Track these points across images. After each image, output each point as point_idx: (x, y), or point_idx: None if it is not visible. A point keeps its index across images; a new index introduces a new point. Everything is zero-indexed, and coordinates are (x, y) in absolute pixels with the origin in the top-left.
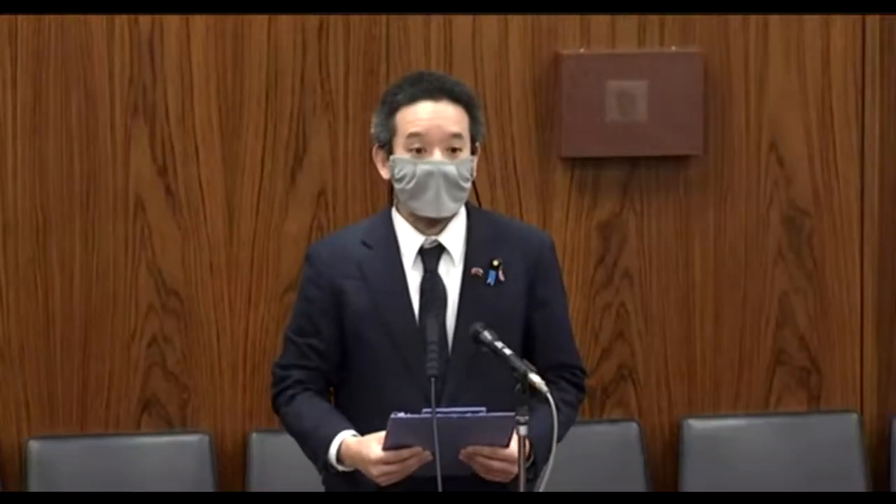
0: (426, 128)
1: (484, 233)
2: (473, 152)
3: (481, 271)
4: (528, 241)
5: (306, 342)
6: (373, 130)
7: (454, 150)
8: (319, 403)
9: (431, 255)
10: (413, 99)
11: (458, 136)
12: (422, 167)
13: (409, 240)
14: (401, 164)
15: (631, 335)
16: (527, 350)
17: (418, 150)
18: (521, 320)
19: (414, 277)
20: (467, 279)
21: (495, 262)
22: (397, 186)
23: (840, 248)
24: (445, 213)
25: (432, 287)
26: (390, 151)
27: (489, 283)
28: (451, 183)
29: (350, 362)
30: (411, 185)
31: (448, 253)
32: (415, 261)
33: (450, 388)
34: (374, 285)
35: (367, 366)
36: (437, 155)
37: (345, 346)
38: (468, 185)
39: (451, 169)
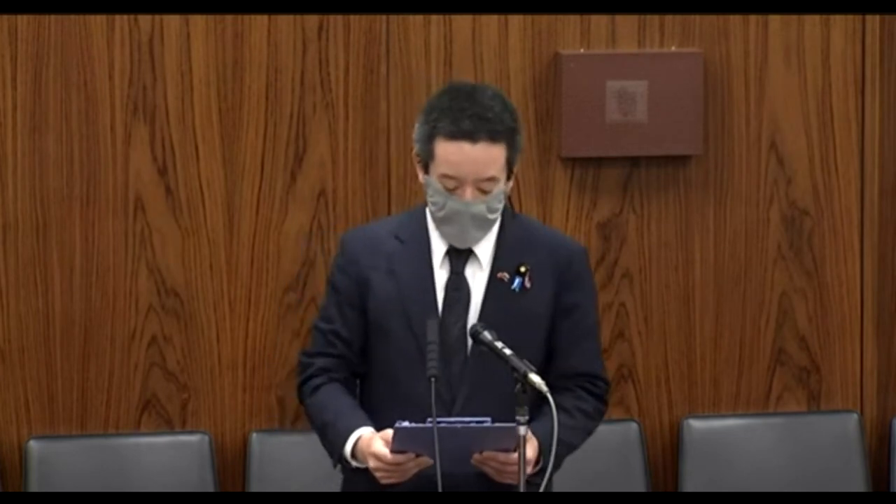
0: (461, 172)
1: (515, 238)
2: (510, 177)
3: (507, 276)
4: (559, 250)
5: (331, 328)
6: (414, 136)
7: (486, 190)
8: (342, 396)
9: (459, 257)
10: (453, 136)
11: (492, 178)
12: (451, 204)
13: (440, 239)
14: (433, 191)
15: (631, 335)
16: (551, 356)
17: (451, 189)
18: (546, 327)
19: (441, 276)
20: (493, 283)
21: (522, 269)
22: (430, 206)
23: (840, 248)
24: (470, 245)
25: (456, 288)
26: (427, 169)
27: (514, 289)
28: (479, 219)
29: (372, 353)
30: (441, 214)
31: (476, 256)
32: (443, 260)
33: (465, 388)
34: (401, 279)
35: (388, 357)
36: (468, 194)
37: (368, 336)
38: (497, 214)
39: (480, 209)
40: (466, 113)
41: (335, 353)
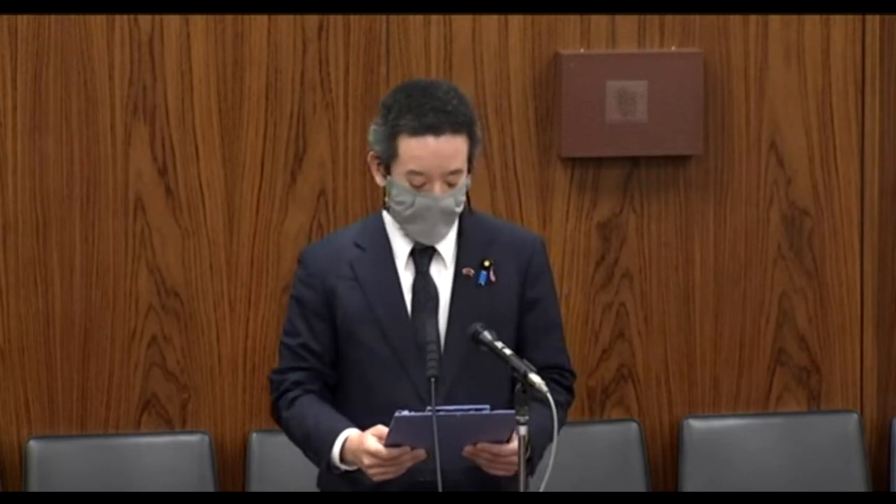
0: (428, 167)
1: (475, 234)
2: (470, 169)
3: (472, 272)
4: (519, 243)
5: (300, 342)
6: (370, 138)
7: (453, 183)
8: (320, 405)
9: (423, 257)
10: (416, 132)
11: (457, 171)
12: (420, 200)
13: (402, 241)
14: (398, 190)
15: (631, 335)
16: (518, 350)
17: (418, 185)
18: (514, 321)
19: (406, 278)
20: (459, 280)
21: (486, 263)
22: (394, 207)
23: (840, 248)
24: (438, 241)
25: (424, 288)
26: (388, 170)
27: (480, 284)
28: (447, 213)
29: (344, 363)
30: (408, 212)
31: (439, 254)
32: (407, 262)
33: (444, 387)
34: (366, 286)
35: (362, 366)
36: (436, 188)
37: (339, 346)
38: (461, 207)
39: (448, 202)
40: (427, 107)
41: (306, 366)
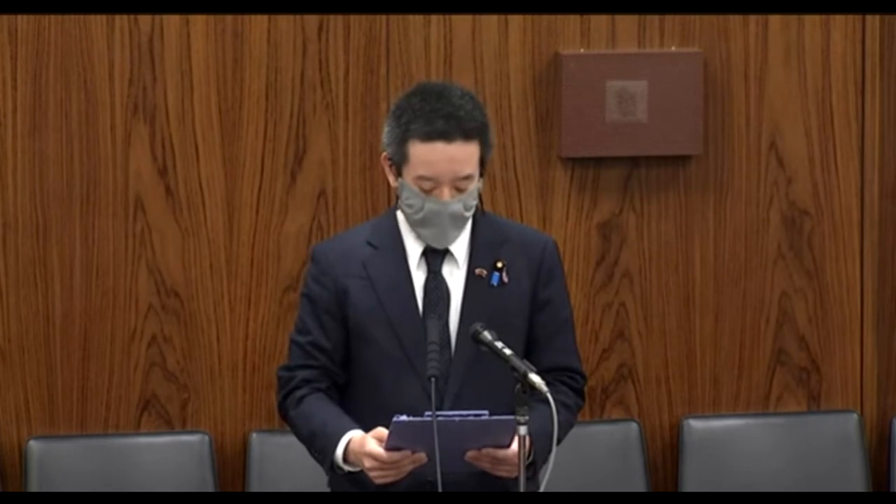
0: (437, 172)
1: (488, 235)
2: (482, 173)
3: (485, 272)
4: (532, 244)
5: (310, 340)
6: (384, 139)
7: (463, 188)
8: (328, 404)
9: (436, 257)
10: (427, 137)
11: (468, 176)
12: (429, 205)
13: (414, 241)
14: (409, 193)
15: (631, 335)
16: (528, 352)
17: (428, 190)
18: (525, 322)
19: (419, 278)
20: (471, 280)
21: (499, 264)
22: (405, 209)
23: (840, 248)
24: (449, 244)
25: (436, 288)
26: (400, 172)
27: (493, 285)
28: (457, 218)
29: (354, 362)
30: (419, 216)
31: (452, 255)
32: (419, 262)
33: (452, 388)
34: (379, 285)
35: (372, 365)
36: (446, 193)
37: (349, 345)
38: (472, 211)
39: (457, 207)
40: (439, 113)
41: (316, 364)
